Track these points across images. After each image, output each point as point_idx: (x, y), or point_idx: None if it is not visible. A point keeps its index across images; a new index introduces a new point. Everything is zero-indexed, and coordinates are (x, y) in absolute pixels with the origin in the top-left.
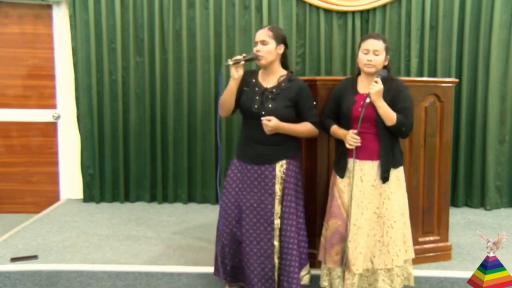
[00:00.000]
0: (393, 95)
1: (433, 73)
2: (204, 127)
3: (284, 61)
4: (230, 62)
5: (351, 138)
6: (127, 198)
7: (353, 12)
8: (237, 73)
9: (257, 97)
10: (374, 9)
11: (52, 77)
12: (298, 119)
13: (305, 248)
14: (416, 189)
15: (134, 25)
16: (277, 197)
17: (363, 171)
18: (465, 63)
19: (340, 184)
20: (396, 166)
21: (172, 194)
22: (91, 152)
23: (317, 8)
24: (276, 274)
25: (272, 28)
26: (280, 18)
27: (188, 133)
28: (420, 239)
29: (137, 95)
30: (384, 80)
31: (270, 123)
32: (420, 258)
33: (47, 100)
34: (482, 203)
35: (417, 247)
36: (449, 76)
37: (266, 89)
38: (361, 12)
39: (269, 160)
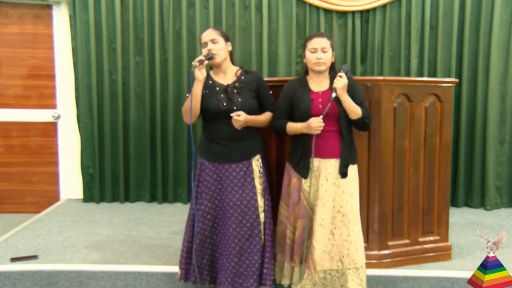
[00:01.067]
0: (350, 89)
1: (433, 73)
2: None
3: (232, 58)
4: (196, 63)
5: (317, 123)
6: (127, 198)
7: (353, 12)
8: (202, 74)
9: (221, 95)
10: (374, 9)
11: (52, 77)
12: (260, 109)
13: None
14: (416, 189)
15: (134, 25)
16: (259, 191)
17: (328, 169)
18: (465, 63)
19: (304, 185)
20: (354, 162)
21: (172, 194)
22: (91, 152)
23: (317, 8)
24: (258, 268)
25: (216, 28)
26: (280, 18)
27: (188, 133)
28: (420, 239)
29: (137, 95)
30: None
31: (240, 117)
32: (420, 258)
33: (47, 100)
34: (482, 203)
35: (417, 247)
36: (449, 76)
37: (227, 85)
38: (361, 12)
39: (246, 156)
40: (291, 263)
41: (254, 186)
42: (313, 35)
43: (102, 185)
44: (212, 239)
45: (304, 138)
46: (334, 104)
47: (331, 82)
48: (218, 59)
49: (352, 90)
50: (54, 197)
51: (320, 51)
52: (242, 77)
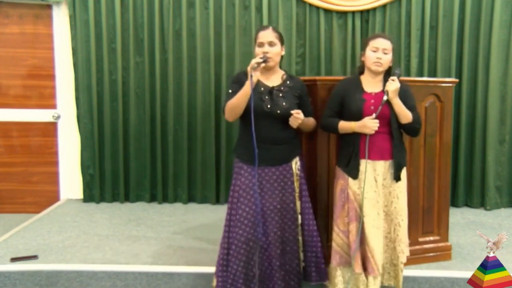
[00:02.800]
0: (402, 94)
1: (433, 73)
2: (204, 127)
3: (281, 62)
4: (255, 65)
5: (373, 122)
6: (127, 198)
7: (353, 12)
8: (256, 76)
9: (266, 97)
10: (374, 9)
11: (52, 77)
12: None
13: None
14: (416, 189)
15: (134, 25)
16: (296, 194)
17: (377, 171)
18: (465, 63)
19: (354, 187)
20: (405, 164)
21: (172, 194)
22: (91, 152)
23: (317, 8)
24: (301, 267)
25: (275, 29)
26: (280, 18)
27: (188, 133)
28: (420, 239)
29: (137, 95)
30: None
31: (300, 115)
32: (420, 258)
33: (47, 100)
34: (482, 203)
35: (417, 247)
36: (449, 76)
37: (273, 88)
38: (361, 12)
39: (286, 159)
40: (340, 269)
41: (293, 189)
42: (378, 35)
43: (102, 185)
44: (248, 246)
45: (353, 139)
46: (386, 106)
47: (385, 85)
48: (271, 63)
49: (404, 94)
50: (54, 197)
51: (381, 51)
52: (288, 82)
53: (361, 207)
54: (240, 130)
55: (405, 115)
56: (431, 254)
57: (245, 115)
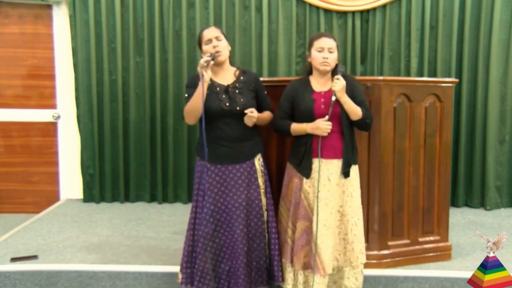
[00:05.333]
0: (350, 89)
1: (433, 73)
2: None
3: (230, 58)
4: (204, 63)
5: (326, 125)
6: (127, 198)
7: (353, 12)
8: (208, 75)
9: (223, 96)
10: (374, 9)
11: (52, 77)
12: (257, 108)
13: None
14: (416, 189)
15: (134, 25)
16: (262, 190)
17: (330, 170)
18: (465, 63)
19: (305, 185)
20: (355, 162)
21: (172, 194)
22: (91, 152)
23: (317, 8)
24: (267, 265)
25: (217, 26)
26: (280, 18)
27: (188, 133)
28: (420, 239)
29: (137, 95)
30: (343, 77)
31: (254, 114)
32: (420, 258)
33: (47, 100)
34: (482, 203)
35: (417, 247)
36: (449, 76)
37: (228, 86)
38: (361, 12)
39: (249, 156)
40: (292, 266)
41: (258, 186)
42: (321, 35)
43: (102, 185)
44: (214, 242)
45: (306, 138)
46: (336, 104)
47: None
48: (222, 58)
49: (352, 90)
50: (54, 197)
51: (327, 51)
52: (241, 77)
53: (311, 205)
54: (200, 130)
55: (355, 112)
56: (431, 254)
57: (205, 115)
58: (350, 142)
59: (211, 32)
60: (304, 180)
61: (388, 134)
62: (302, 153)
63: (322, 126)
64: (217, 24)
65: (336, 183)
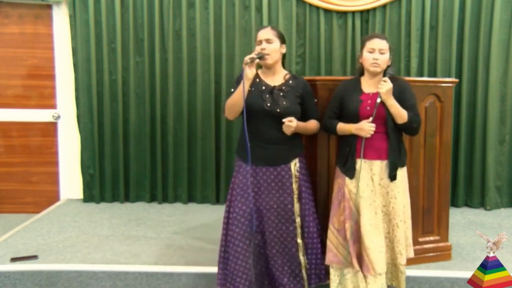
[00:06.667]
0: (399, 93)
1: (433, 73)
2: (204, 127)
3: (284, 61)
4: (248, 60)
5: (369, 126)
6: (127, 198)
7: (353, 12)
8: (251, 72)
9: (267, 96)
10: (374, 9)
11: (52, 77)
12: (303, 115)
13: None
14: (416, 189)
15: (134, 25)
16: (295, 195)
17: (373, 170)
18: (465, 63)
19: (350, 185)
20: (402, 165)
21: (172, 194)
22: (91, 152)
23: (317, 8)
24: (303, 271)
25: (274, 27)
26: (280, 18)
27: (188, 133)
28: (420, 239)
29: (137, 95)
30: (391, 79)
31: (293, 123)
32: (420, 258)
33: (47, 100)
34: (482, 203)
35: (417, 247)
36: (449, 76)
37: (274, 87)
38: (361, 12)
39: (284, 160)
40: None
41: (292, 191)
42: (373, 36)
43: (102, 185)
44: (245, 244)
45: (351, 139)
46: (382, 106)
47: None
48: (269, 60)
49: (402, 93)
50: (54, 197)
51: (377, 52)
52: (290, 81)
53: (356, 206)
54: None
55: (400, 115)
56: (431, 254)
57: (247, 113)
58: (396, 144)
59: (263, 34)
60: (349, 180)
61: None
62: (347, 154)
63: (365, 127)
64: (217, 24)
65: (378, 183)
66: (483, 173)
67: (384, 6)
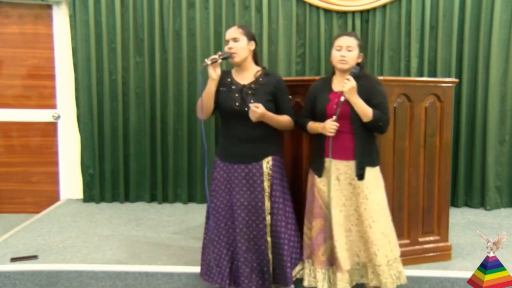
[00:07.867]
0: (367, 91)
1: (433, 73)
2: (204, 126)
3: (256, 58)
4: (208, 62)
5: (331, 125)
6: (127, 198)
7: (353, 12)
8: (215, 73)
9: (236, 95)
10: (374, 9)
11: (52, 77)
12: (276, 112)
13: (297, 242)
14: (416, 189)
15: (134, 25)
16: (266, 193)
17: (339, 170)
18: (465, 63)
19: (319, 184)
20: (373, 165)
21: (172, 194)
22: (91, 152)
23: (317, 8)
24: (271, 268)
25: (241, 25)
26: (280, 18)
27: (188, 133)
28: (420, 239)
29: (137, 95)
30: (357, 77)
31: (258, 109)
32: (420, 258)
33: (47, 100)
34: (482, 203)
35: (417, 247)
36: (449, 76)
37: (244, 85)
38: (361, 12)
39: (256, 158)
40: (310, 264)
41: (262, 189)
42: (342, 34)
43: (102, 185)
44: (219, 238)
45: (320, 138)
46: (346, 105)
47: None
48: (237, 59)
49: (369, 91)
50: (54, 197)
51: (345, 49)
52: (260, 79)
53: (326, 204)
54: (220, 127)
55: (365, 114)
56: (431, 254)
57: (218, 112)
58: (363, 144)
59: (230, 33)
60: (318, 179)
61: (388, 134)
62: (317, 153)
63: (327, 126)
64: (217, 24)
65: (348, 183)
66: (483, 173)
67: (384, 6)
